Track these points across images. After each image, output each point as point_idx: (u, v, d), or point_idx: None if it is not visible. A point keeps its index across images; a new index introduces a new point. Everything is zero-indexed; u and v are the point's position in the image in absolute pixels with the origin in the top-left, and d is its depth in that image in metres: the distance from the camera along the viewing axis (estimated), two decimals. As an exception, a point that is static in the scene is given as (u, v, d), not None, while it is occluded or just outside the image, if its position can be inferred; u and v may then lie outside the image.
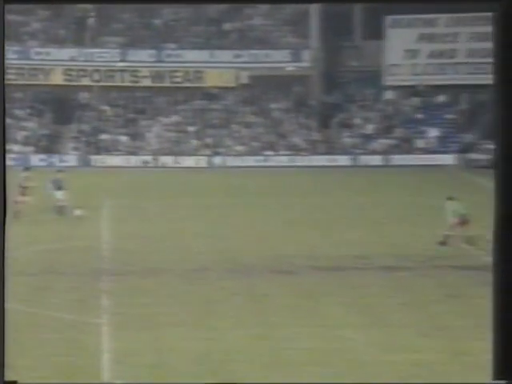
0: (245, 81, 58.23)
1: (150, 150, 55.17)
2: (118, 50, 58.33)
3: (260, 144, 55.48)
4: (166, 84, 58.40)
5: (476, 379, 16.04)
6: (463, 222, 28.13)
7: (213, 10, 60.46)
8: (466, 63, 56.85)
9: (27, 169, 35.04)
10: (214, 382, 15.75)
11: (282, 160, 53.57)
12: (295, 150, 55.11)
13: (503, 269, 7.92)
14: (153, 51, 58.23)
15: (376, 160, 53.11)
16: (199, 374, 16.38)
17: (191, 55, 58.18)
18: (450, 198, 29.40)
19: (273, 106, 58.39)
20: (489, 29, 58.85)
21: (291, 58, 58.05)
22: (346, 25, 58.37)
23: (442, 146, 54.23)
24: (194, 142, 56.05)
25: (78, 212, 32.40)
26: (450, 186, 44.63)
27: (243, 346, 18.06)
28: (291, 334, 18.86)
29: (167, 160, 53.53)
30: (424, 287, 23.22)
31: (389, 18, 56.83)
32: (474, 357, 17.26)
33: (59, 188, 33.23)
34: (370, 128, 56.45)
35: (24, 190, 32.48)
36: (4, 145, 8.04)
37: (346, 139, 55.75)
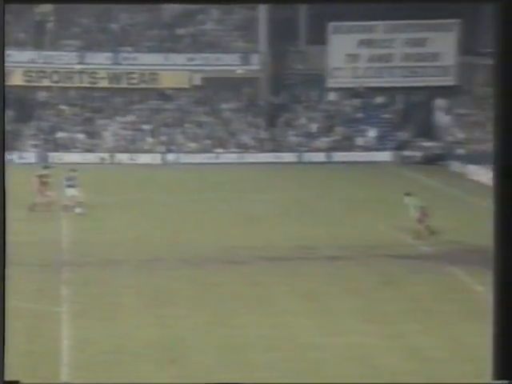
0: (197, 82, 58.12)
1: (106, 147, 54.76)
2: (76, 53, 57.70)
3: (211, 142, 55.46)
4: (123, 85, 57.99)
5: (409, 358, 16.36)
6: (424, 214, 28.52)
7: (167, 15, 60.17)
8: (401, 67, 57.55)
9: (46, 167, 34.02)
10: (166, 366, 15.79)
11: (232, 157, 53.62)
12: (244, 147, 55.23)
13: (503, 269, 7.67)
14: (110, 54, 57.76)
15: (319, 157, 53.48)
16: (156, 359, 16.41)
17: (146, 58, 57.84)
18: (407, 194, 29.62)
19: (223, 106, 58.41)
20: (422, 35, 59.56)
21: (241, 61, 58.10)
22: (292, 31, 58.58)
23: (379, 144, 54.82)
24: (149, 140, 55.79)
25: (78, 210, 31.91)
26: (386, 180, 45.22)
27: (197, 332, 18.12)
28: (242, 321, 18.98)
29: (123, 157, 53.17)
30: (364, 275, 23.53)
31: (331, 25, 57.21)
32: (409, 338, 17.60)
33: (72, 186, 32.44)
34: (313, 127, 56.81)
35: (44, 188, 32.01)
36: (4, 144, 7.84)
37: (292, 137, 56.04)
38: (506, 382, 7.65)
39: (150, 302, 20.52)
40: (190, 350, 16.96)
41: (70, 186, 32.43)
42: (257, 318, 19.23)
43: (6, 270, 7.88)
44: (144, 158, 53.16)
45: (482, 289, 21.64)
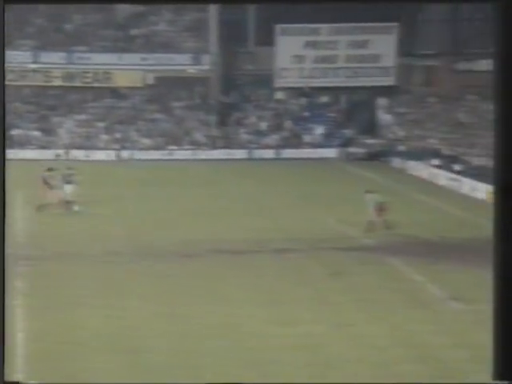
0: (151, 81, 57.69)
1: (61, 144, 53.99)
2: (30, 52, 56.76)
3: (165, 139, 55.12)
4: (77, 84, 57.27)
5: (355, 346, 16.50)
6: (381, 208, 28.71)
7: (120, 15, 59.54)
8: (344, 68, 57.97)
9: (50, 169, 33.31)
10: (120, 356, 15.65)
11: (185, 154, 53.38)
12: (197, 144, 55.03)
13: (503, 269, 7.47)
14: (64, 54, 56.96)
15: (269, 154, 53.61)
16: (110, 349, 16.25)
17: (100, 58, 57.21)
18: (368, 191, 29.71)
19: (176, 104, 58.09)
20: (364, 37, 60.24)
21: (192, 61, 57.86)
22: (241, 32, 58.53)
23: (325, 141, 55.17)
24: (104, 137, 55.19)
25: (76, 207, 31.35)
26: (332, 176, 45.56)
27: (151, 323, 18.00)
28: (195, 312, 18.91)
29: (78, 154, 52.49)
30: (312, 267, 23.65)
31: (278, 27, 57.32)
32: (356, 327, 17.75)
33: (68, 182, 31.91)
34: (263, 125, 56.90)
35: (49, 188, 31.59)
36: (4, 144, 7.68)
37: (243, 135, 56.06)
38: (506, 382, 7.49)
39: (106, 294, 20.31)
40: (143, 340, 16.83)
41: (68, 183, 32.15)
42: (209, 308, 19.18)
43: (6, 269, 7.72)
44: (99, 155, 52.58)
45: (421, 278, 21.93)
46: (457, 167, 41.77)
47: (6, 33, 7.41)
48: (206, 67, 57.71)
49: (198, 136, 55.86)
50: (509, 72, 7.35)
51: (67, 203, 31.49)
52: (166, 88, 57.94)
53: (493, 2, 7.49)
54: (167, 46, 58.70)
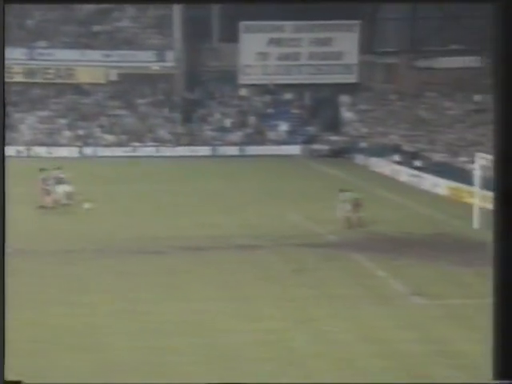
0: (114, 78, 57.21)
1: (23, 140, 53.31)
2: (-9, 48, 55.91)
3: (128, 136, 54.74)
4: (38, 80, 56.58)
5: (319, 341, 16.57)
6: (356, 205, 28.86)
7: (83, 12, 58.92)
8: (308, 65, 58.16)
9: (43, 170, 32.94)
10: (81, 352, 15.53)
11: (149, 151, 53.08)
12: (161, 141, 54.75)
13: (503, 269, 7.46)
14: (25, 50, 56.23)
15: (233, 150, 53.56)
16: (72, 346, 16.11)
17: (62, 54, 56.57)
18: (342, 190, 29.87)
19: (140, 101, 57.70)
20: (327, 35, 60.43)
21: (156, 58, 57.51)
22: (205, 29, 58.29)
23: (289, 138, 55.28)
24: (67, 134, 54.62)
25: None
26: (296, 172, 45.69)
27: (112, 320, 17.87)
28: (157, 308, 18.82)
29: (40, 150, 51.87)
30: (276, 263, 23.69)
31: (242, 24, 57.28)
32: (319, 323, 17.82)
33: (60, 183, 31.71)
34: (227, 122, 56.81)
35: (47, 190, 31.38)
36: (4, 143, 7.64)
37: (207, 132, 55.90)
38: (505, 382, 7.51)
39: (67, 290, 20.12)
40: (105, 336, 16.71)
41: (59, 183, 32.00)
42: (172, 305, 19.11)
43: (6, 270, 7.74)
44: (61, 152, 52.01)
45: (384, 274, 22.12)
46: (417, 163, 42.18)
47: (5, 33, 7.36)
48: (170, 64, 57.41)
49: (162, 133, 55.59)
50: (509, 72, 7.31)
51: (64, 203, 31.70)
52: (130, 85, 57.53)
53: (493, 2, 7.38)
54: (131, 43, 58.26)
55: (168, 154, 52.58)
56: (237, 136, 55.34)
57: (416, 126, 49.18)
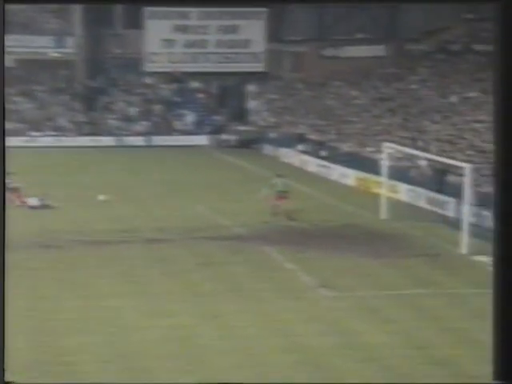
0: (11, 64, 55.45)
1: None
2: None
3: (26, 125, 53.23)
4: None
5: (227, 336, 16.56)
6: (281, 197, 28.92)
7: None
8: (215, 53, 58.03)
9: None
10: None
11: (48, 140, 51.76)
12: (61, 130, 53.51)
13: (503, 270, 7.47)
14: None
15: (138, 141, 52.90)
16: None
17: (-46, 38, 54.40)
18: (278, 175, 29.96)
19: (38, 88, 56.21)
20: (234, 22, 60.51)
21: (55, 43, 56.12)
22: (108, 14, 57.26)
23: (197, 128, 55.06)
24: (-40, 123, 52.64)
25: None
26: (204, 163, 45.55)
27: (11, 318, 17.31)
28: (58, 305, 18.40)
29: None
30: (183, 257, 23.56)
31: (146, 10, 56.57)
32: (227, 318, 17.82)
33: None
34: (132, 111, 56.06)
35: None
36: (4, 142, 7.44)
37: (111, 121, 54.97)
38: (506, 382, 7.56)
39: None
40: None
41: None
42: (75, 302, 18.70)
43: (6, 270, 7.53)
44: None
45: (293, 266, 22.32)
46: (324, 153, 42.79)
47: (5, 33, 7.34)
48: (71, 50, 56.15)
49: (63, 121, 54.31)
50: (509, 71, 7.35)
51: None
52: (28, 71, 55.93)
53: (493, 2, 7.43)
54: (28, 28, 56.61)
55: (69, 143, 51.43)
56: (142, 126, 54.69)
57: (324, 115, 49.84)
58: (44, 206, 30.89)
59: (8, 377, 8.05)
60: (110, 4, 55.43)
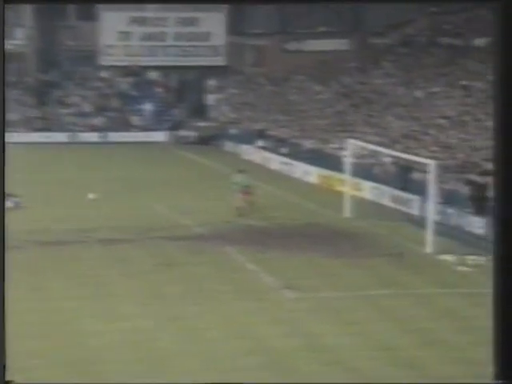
0: (-43, 57, 54.71)
1: None
2: None
3: (-25, 121, 52.57)
4: None
5: (188, 340, 16.65)
6: (247, 192, 29.05)
7: None
8: (174, 46, 57.93)
9: None
10: None
11: (-1, 137, 51.14)
12: (11, 126, 52.92)
13: (503, 270, 7.54)
14: None
15: (94, 137, 52.61)
16: None
17: None
18: (240, 171, 30.20)
19: (-12, 82, 55.53)
20: (193, 14, 60.57)
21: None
22: (60, 6, 56.74)
23: (155, 124, 54.93)
24: None
25: None
26: (162, 161, 45.49)
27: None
28: (10, 308, 18.24)
29: None
30: (141, 258, 23.56)
31: (101, 1, 56.18)
32: (188, 320, 17.90)
33: None
34: (87, 106, 55.71)
35: None
36: (3, 141, 7.60)
37: (64, 116, 54.58)
38: (506, 382, 7.68)
39: None
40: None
41: None
42: (28, 304, 18.62)
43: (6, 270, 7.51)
44: None
45: (255, 267, 22.49)
46: (285, 150, 43.05)
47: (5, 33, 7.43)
48: (20, 42, 55.58)
49: (13, 116, 53.76)
50: (509, 71, 7.44)
51: None
52: (-24, 64, 55.25)
53: (493, 2, 7.57)
54: (-25, 18, 55.93)
55: (19, 140, 50.94)
56: (98, 121, 54.39)
57: (286, 111, 50.11)
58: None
59: (8, 376, 8.11)
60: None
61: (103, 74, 58.04)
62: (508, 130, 7.52)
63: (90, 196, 32.04)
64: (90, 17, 56.53)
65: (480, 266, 22.58)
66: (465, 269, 22.50)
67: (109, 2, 47.15)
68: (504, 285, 7.64)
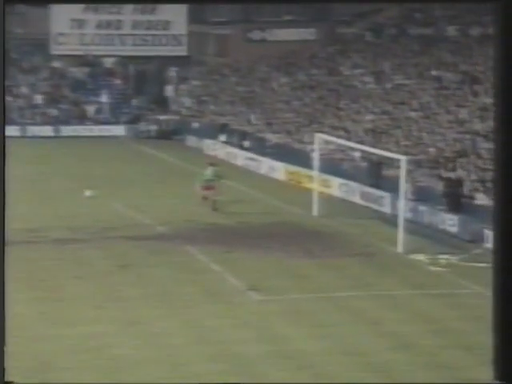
0: None
1: None
2: None
3: None
4: None
5: (147, 345, 16.50)
6: (208, 187, 28.97)
7: None
8: (131, 35, 57.53)
9: None
10: None
11: None
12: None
13: (503, 270, 7.65)
14: None
15: (46, 131, 52.01)
16: None
17: None
18: (211, 164, 30.49)
19: None
20: (150, 2, 60.23)
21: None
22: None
23: (112, 117, 54.49)
24: None
25: None
26: (120, 156, 45.15)
27: None
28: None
29: None
30: (97, 259, 23.34)
31: (54, -14, 55.66)
32: (148, 325, 17.75)
33: None
34: (38, 98, 55.08)
35: None
36: (3, 140, 7.61)
37: (13, 109, 53.87)
38: (506, 382, 7.80)
39: None
40: None
41: None
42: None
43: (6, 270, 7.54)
44: None
45: (219, 268, 22.38)
46: (248, 144, 43.00)
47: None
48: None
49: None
50: (509, 71, 7.58)
51: None
52: None
53: (493, 2, 7.73)
54: None
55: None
56: (50, 114, 53.79)
57: (250, 103, 50.03)
58: None
59: (8, 377, 7.97)
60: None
61: (55, 63, 57.42)
62: (508, 130, 7.68)
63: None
64: (41, 3, 55.88)
65: (453, 265, 22.75)
66: (437, 269, 22.64)
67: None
68: (504, 285, 7.77)
